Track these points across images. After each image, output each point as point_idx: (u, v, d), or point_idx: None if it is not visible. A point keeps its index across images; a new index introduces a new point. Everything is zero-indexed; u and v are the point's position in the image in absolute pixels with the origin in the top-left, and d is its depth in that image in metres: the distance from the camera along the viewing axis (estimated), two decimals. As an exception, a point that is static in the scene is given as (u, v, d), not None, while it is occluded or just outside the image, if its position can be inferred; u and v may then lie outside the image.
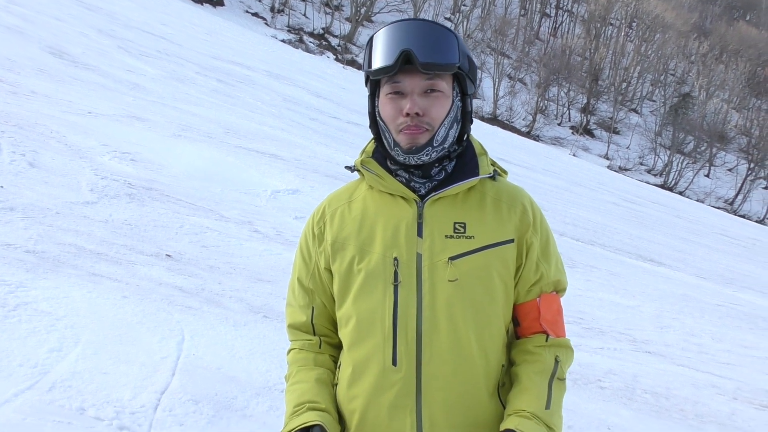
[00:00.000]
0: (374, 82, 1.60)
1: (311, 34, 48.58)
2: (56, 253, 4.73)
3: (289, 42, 41.99)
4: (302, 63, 29.26)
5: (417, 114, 1.51)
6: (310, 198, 8.40)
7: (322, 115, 16.65)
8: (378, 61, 1.52)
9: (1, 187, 5.61)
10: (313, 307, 1.72)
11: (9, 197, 5.45)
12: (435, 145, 1.55)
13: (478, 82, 1.69)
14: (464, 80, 1.59)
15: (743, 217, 40.48)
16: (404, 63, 1.49)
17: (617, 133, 54.61)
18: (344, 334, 1.65)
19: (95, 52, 14.23)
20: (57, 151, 7.07)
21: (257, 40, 32.94)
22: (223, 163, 8.79)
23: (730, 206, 48.02)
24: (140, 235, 5.60)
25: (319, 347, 1.73)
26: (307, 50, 41.66)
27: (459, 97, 1.60)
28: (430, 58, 1.49)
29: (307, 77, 23.73)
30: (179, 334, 4.04)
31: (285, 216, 7.45)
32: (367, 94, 1.63)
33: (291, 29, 47.90)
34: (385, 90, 1.56)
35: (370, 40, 1.58)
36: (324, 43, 47.95)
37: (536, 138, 46.45)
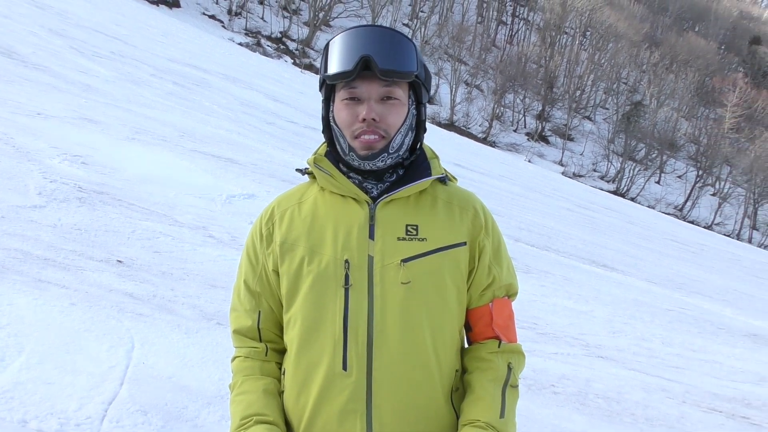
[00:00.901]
0: (329, 86, 1.58)
1: (269, 38, 48.28)
2: (1, 258, 4.58)
3: (247, 45, 41.65)
4: (259, 67, 29.04)
5: (374, 120, 1.50)
6: (266, 203, 8.18)
7: (279, 120, 16.53)
8: (336, 66, 1.51)
9: (-56, 190, 5.42)
10: (259, 312, 1.68)
11: (-49, 201, 5.27)
12: (390, 151, 1.55)
13: (432, 90, 1.69)
14: (420, 89, 1.59)
15: (692, 222, 41.56)
16: (363, 69, 1.48)
17: (571, 140, 55.55)
18: (291, 338, 1.61)
19: (46, 51, 13.89)
20: (4, 153, 6.87)
21: (214, 42, 32.58)
22: (177, 167, 8.64)
23: (680, 212, 49.25)
24: (90, 240, 5.47)
25: (266, 355, 1.69)
26: (265, 54, 41.39)
27: (414, 106, 1.59)
28: (390, 65, 1.48)
29: (265, 81, 23.55)
30: (129, 342, 3.95)
31: (240, 221, 7.36)
32: (322, 98, 1.62)
33: (248, 32, 47.54)
34: (341, 95, 1.54)
35: (328, 44, 1.56)
36: (282, 47, 47.70)
37: (492, 144, 46.94)
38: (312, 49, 48.33)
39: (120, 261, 5.25)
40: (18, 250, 4.81)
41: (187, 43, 26.46)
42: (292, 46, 48.56)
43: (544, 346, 6.29)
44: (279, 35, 49.33)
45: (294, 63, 42.79)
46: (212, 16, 47.39)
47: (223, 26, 46.63)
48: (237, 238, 6.70)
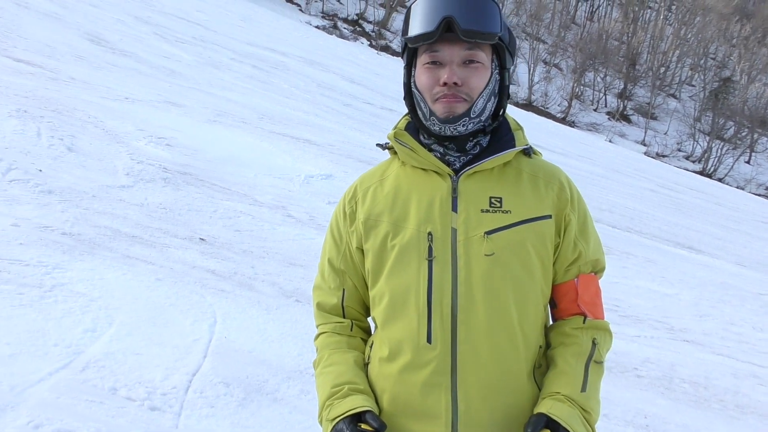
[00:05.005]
0: (411, 51, 1.55)
1: (345, 20, 48.47)
2: (92, 235, 4.78)
3: (323, 28, 41.94)
4: (336, 49, 29.20)
5: (455, 84, 1.46)
6: (344, 183, 8.37)
7: (356, 101, 16.60)
8: (417, 28, 1.47)
9: (40, 170, 5.69)
10: (344, 290, 1.67)
11: (47, 181, 5.53)
12: (472, 116, 1.50)
13: (516, 58, 1.63)
14: (504, 53, 1.53)
15: (786, 204, 39.54)
16: (445, 30, 1.44)
17: (655, 118, 53.60)
18: (377, 313, 1.60)
19: (132, 38, 14.38)
20: (94, 135, 7.15)
21: (291, 26, 32.96)
22: (257, 148, 8.81)
23: (772, 193, 46.92)
24: (174, 219, 5.64)
25: (351, 330, 1.68)
26: (341, 36, 41.60)
27: (498, 70, 1.55)
28: (473, 26, 1.43)
29: (341, 63, 23.69)
30: (212, 316, 4.06)
31: (318, 201, 7.44)
32: (403, 64, 1.58)
33: (325, 15, 47.85)
34: (422, 60, 1.51)
35: (409, 7, 1.52)
36: (358, 29, 47.81)
37: (572, 124, 45.83)
38: (388, 30, 48.27)
39: (203, 239, 5.39)
40: (108, 228, 5.00)
41: (265, 27, 26.88)
42: (368, 28, 48.62)
43: (627, 328, 6.11)
44: (355, 17, 49.45)
45: (370, 45, 42.84)
46: (289, 0, 47.93)
47: (300, 10, 47.08)
48: (315, 218, 6.78)
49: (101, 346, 3.38)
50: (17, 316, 3.47)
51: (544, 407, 1.46)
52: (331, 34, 39.71)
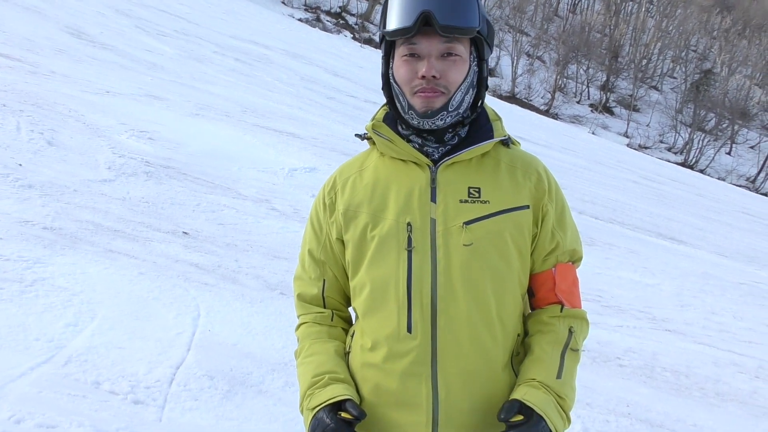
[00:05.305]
0: (389, 42, 1.55)
1: (328, 13, 48.27)
2: (73, 229, 4.75)
3: (306, 21, 41.75)
4: (319, 42, 29.11)
5: (434, 77, 1.46)
6: (327, 176, 8.30)
7: (340, 94, 16.57)
8: (395, 22, 1.47)
9: (20, 165, 5.64)
10: (324, 280, 1.68)
11: (27, 175, 5.48)
12: (450, 109, 1.51)
13: (492, 62, 1.63)
14: (482, 45, 1.54)
15: (765, 195, 39.96)
16: (423, 25, 1.44)
17: (637, 110, 53.90)
18: (358, 303, 1.61)
19: (113, 31, 14.25)
20: (75, 129, 7.10)
21: (274, 19, 32.80)
22: (240, 141, 8.77)
23: (752, 184, 47.35)
24: (157, 213, 5.61)
25: (331, 320, 1.69)
26: (325, 29, 41.44)
27: (476, 62, 1.55)
28: (450, 21, 1.44)
29: (325, 56, 23.61)
30: (195, 310, 4.05)
31: (302, 194, 7.43)
32: (381, 54, 1.58)
33: (308, 8, 47.62)
34: (400, 51, 1.51)
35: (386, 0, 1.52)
36: (341, 21, 47.64)
37: (555, 116, 45.98)
38: (371, 23, 48.11)
39: (186, 233, 5.37)
40: (89, 222, 4.97)
41: (248, 20, 26.72)
42: (351, 20, 48.46)
43: (609, 318, 6.17)
44: (338, 10, 49.26)
45: (353, 38, 42.70)
46: (272, -7, 47.63)
47: (283, 2, 46.81)
48: (299, 211, 6.77)
49: (83, 340, 3.36)
50: (-2, 311, 3.44)
51: (519, 393, 1.48)
52: (314, 26, 39.56)
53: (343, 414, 1.48)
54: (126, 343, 3.46)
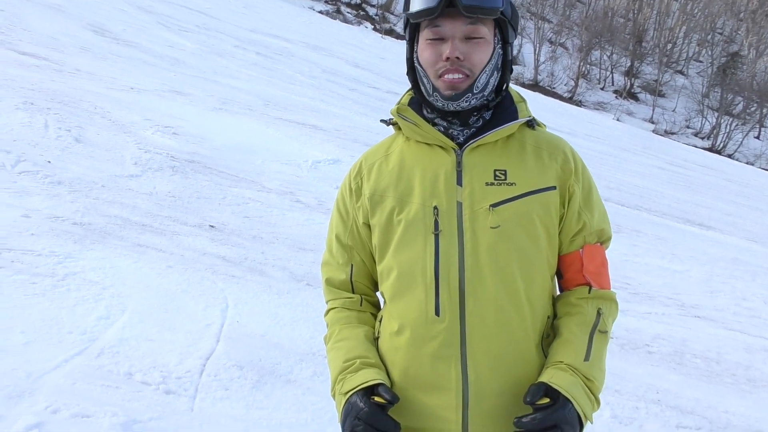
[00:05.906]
0: (413, 26, 1.55)
1: (348, 5, 48.21)
2: (102, 224, 4.82)
3: (327, 13, 41.74)
4: (340, 34, 29.09)
5: (458, 59, 1.46)
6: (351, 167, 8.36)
7: (361, 86, 16.55)
8: (418, 3, 1.47)
9: (49, 162, 5.72)
10: (352, 265, 1.69)
11: (56, 172, 5.56)
12: (475, 91, 1.50)
13: (518, 30, 1.63)
14: (506, 27, 1.53)
15: (796, 179, 39.21)
16: (446, 6, 1.43)
17: (662, 96, 53.17)
18: (386, 287, 1.61)
19: (135, 28, 14.37)
20: (101, 126, 7.18)
21: (295, 12, 32.83)
22: (263, 134, 8.81)
23: (783, 169, 46.56)
24: (184, 207, 5.67)
25: (360, 305, 1.70)
26: (345, 21, 41.38)
27: (500, 45, 1.54)
28: (474, 1, 1.43)
29: (346, 48, 23.59)
30: (223, 302, 4.09)
31: (326, 186, 7.45)
32: (406, 39, 1.58)
33: (328, 0, 47.65)
34: (424, 35, 1.51)
35: None
36: (362, 13, 47.55)
37: (579, 103, 45.53)
38: (392, 14, 47.98)
39: (212, 226, 5.42)
40: (118, 217, 5.04)
41: (268, 13, 26.77)
42: (371, 12, 48.37)
43: (637, 305, 6.12)
44: (359, 1, 49.18)
45: (374, 29, 42.59)
46: (292, -14, 47.67)
47: (303, -5, 46.87)
48: (323, 203, 6.79)
49: (115, 333, 3.42)
50: (31, 305, 3.51)
51: (545, 376, 1.47)
52: (335, 18, 39.54)
53: (377, 398, 1.48)
54: (156, 335, 3.51)
